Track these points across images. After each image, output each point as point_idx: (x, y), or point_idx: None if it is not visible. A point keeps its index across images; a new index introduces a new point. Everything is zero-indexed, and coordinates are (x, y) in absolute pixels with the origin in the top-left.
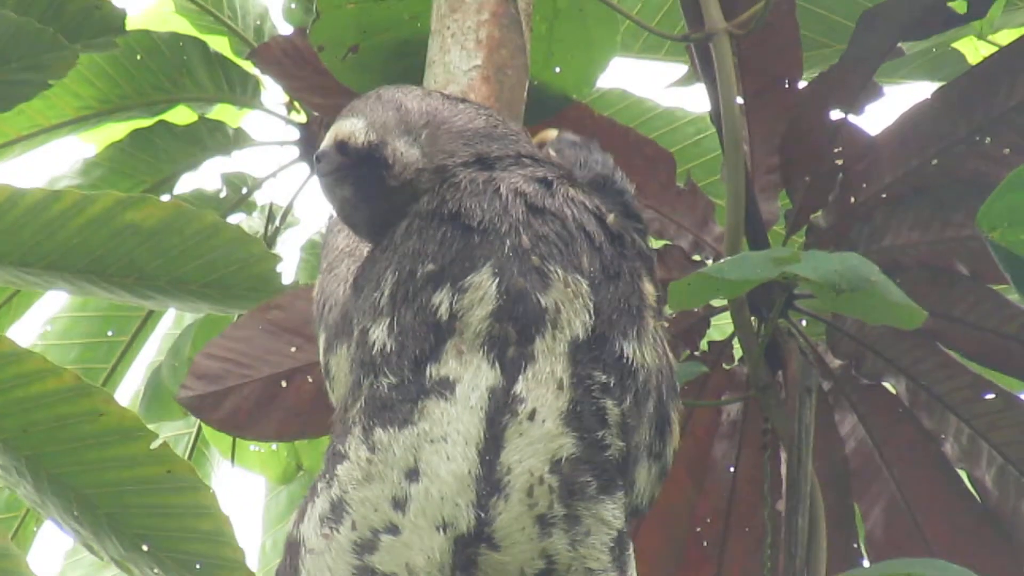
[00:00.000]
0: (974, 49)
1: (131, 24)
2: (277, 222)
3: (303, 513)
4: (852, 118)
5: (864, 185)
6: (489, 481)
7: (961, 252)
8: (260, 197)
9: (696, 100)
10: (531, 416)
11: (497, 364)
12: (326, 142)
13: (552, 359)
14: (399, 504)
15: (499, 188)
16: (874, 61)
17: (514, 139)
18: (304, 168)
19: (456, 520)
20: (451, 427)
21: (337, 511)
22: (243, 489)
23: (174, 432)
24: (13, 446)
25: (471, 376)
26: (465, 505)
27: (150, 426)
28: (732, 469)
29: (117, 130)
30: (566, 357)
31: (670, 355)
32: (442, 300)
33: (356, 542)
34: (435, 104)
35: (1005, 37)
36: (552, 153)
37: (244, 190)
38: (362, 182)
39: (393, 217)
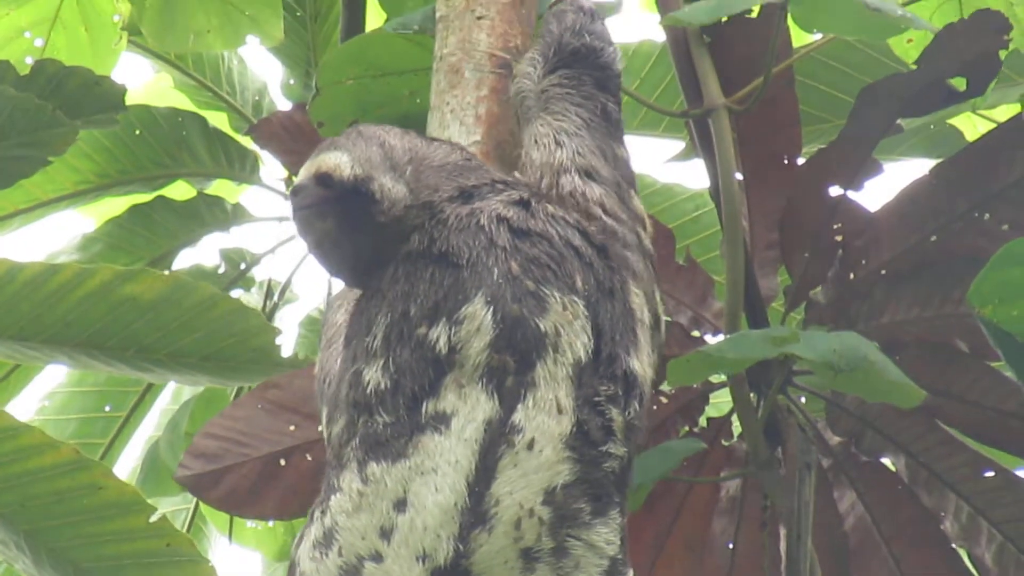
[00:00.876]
0: (971, 126)
1: (130, 99)
2: (276, 298)
3: (301, 537)
4: (851, 194)
5: (863, 261)
6: (475, 513)
7: (960, 329)
8: (259, 273)
9: (694, 175)
10: (529, 446)
11: (495, 395)
12: (304, 174)
13: (554, 384)
14: (385, 533)
15: (480, 219)
16: (874, 138)
17: (485, 170)
18: (302, 245)
19: (435, 552)
20: (442, 459)
21: (328, 537)
22: (241, 565)
23: (172, 507)
24: (12, 520)
25: (468, 409)
26: (446, 537)
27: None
28: (731, 545)
29: (116, 205)
30: (569, 380)
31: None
32: (439, 334)
33: (342, 567)
34: (414, 141)
35: (1002, 113)
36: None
37: (243, 266)
38: (347, 217)
39: (374, 254)
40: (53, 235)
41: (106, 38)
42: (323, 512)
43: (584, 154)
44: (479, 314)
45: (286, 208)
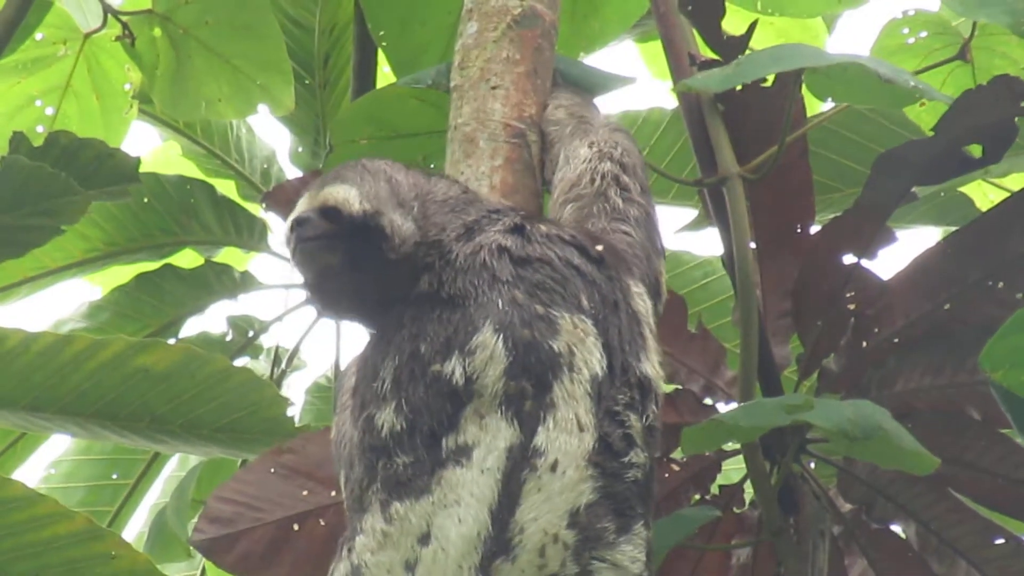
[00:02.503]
0: (982, 194)
1: (139, 167)
2: (283, 365)
3: (331, 573)
4: (865, 262)
5: (876, 330)
6: (499, 542)
7: (972, 397)
8: (266, 340)
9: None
10: (552, 468)
11: (515, 421)
12: (307, 205)
13: (573, 402)
14: (409, 567)
15: (482, 255)
16: (889, 206)
17: (480, 201)
18: (311, 311)
19: None
20: (464, 491)
21: (356, 573)
22: None
23: (178, 574)
24: None
25: (489, 438)
26: (467, 568)
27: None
28: None
29: (123, 273)
30: (587, 397)
31: (641, 229)
32: (454, 367)
33: None
34: (417, 177)
35: (1014, 182)
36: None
37: (250, 333)
38: (355, 252)
39: (378, 291)
40: (59, 303)
41: (117, 107)
42: (349, 551)
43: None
44: (489, 342)
45: (294, 275)
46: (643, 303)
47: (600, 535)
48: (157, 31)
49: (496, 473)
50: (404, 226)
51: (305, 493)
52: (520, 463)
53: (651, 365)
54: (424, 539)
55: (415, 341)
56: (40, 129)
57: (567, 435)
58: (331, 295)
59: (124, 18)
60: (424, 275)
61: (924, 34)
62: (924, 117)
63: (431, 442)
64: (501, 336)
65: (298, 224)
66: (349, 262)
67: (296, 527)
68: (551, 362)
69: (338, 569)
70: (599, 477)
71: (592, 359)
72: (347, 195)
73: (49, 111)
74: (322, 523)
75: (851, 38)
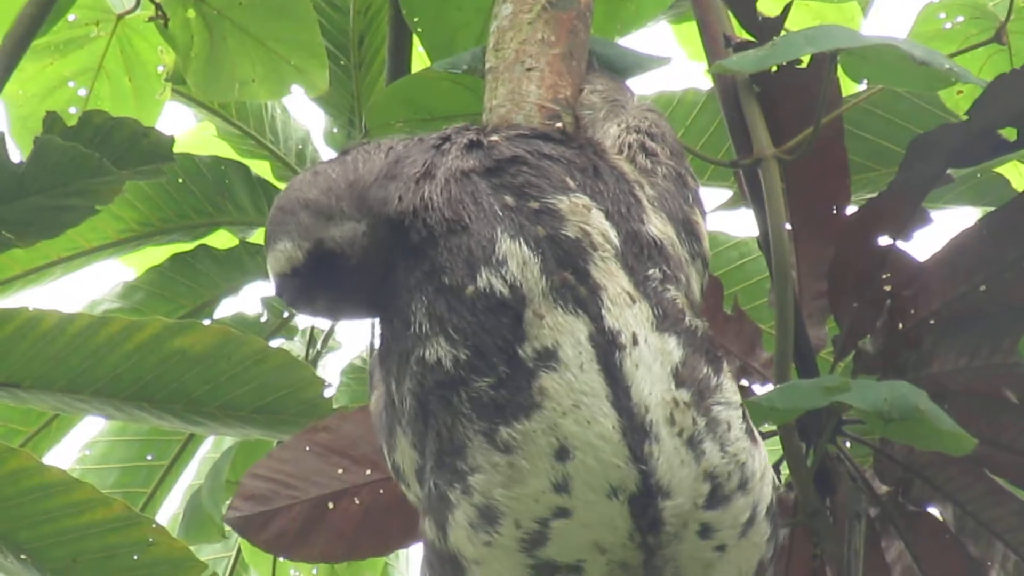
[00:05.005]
0: (1018, 174)
1: (174, 147)
2: (319, 346)
3: (442, 527)
4: (900, 243)
5: (912, 311)
6: (634, 429)
7: (1009, 378)
8: (301, 321)
9: (738, 223)
10: (634, 341)
11: (579, 311)
12: (272, 275)
13: (615, 279)
14: (561, 487)
15: (451, 186)
16: (924, 188)
17: (417, 140)
18: None
19: (624, 482)
20: (575, 393)
21: (490, 515)
22: None
23: (213, 555)
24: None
25: (567, 336)
26: (624, 463)
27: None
28: None
29: (158, 254)
30: (622, 271)
31: (670, 182)
32: (491, 281)
33: (523, 539)
34: (334, 174)
35: None
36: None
37: (285, 314)
38: (329, 282)
39: (375, 282)
40: (93, 284)
41: (150, 88)
42: (466, 493)
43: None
44: (514, 249)
45: None
46: (624, 164)
47: (706, 382)
48: (191, 12)
49: (594, 364)
50: (344, 230)
51: (340, 471)
52: (606, 348)
53: (655, 226)
54: (562, 454)
55: (434, 277)
56: (73, 110)
57: (627, 308)
58: (346, 315)
59: None
60: (409, 233)
61: (961, 19)
62: (962, 104)
63: (507, 357)
64: (520, 240)
65: (279, 293)
66: (334, 290)
67: (331, 505)
68: (575, 249)
69: (455, 517)
70: (675, 335)
71: (610, 233)
72: (285, 251)
73: (82, 92)
74: (357, 502)
75: (887, 23)
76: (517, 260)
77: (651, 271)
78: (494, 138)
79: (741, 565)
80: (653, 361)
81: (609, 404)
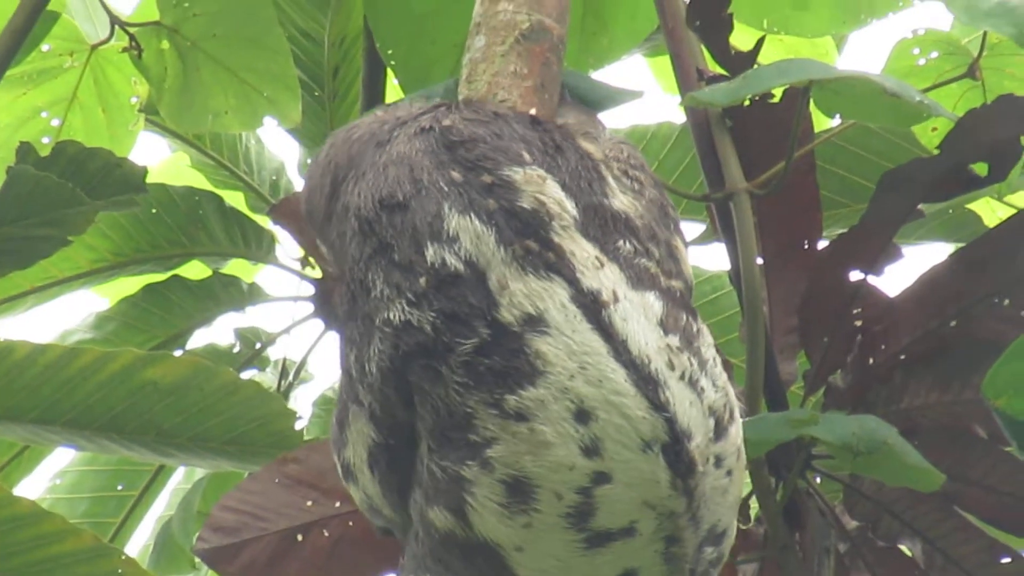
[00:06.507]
0: (990, 211)
1: (147, 178)
2: (291, 377)
3: (460, 512)
4: (871, 278)
5: (883, 346)
6: (644, 379)
7: (978, 414)
8: (273, 352)
9: (712, 258)
10: (616, 298)
11: (552, 274)
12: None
13: (579, 245)
14: (592, 450)
15: (387, 168)
16: (895, 223)
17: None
18: (318, 324)
19: (655, 433)
20: (577, 354)
21: (521, 491)
22: None
23: None
24: None
25: (548, 300)
26: (648, 413)
27: None
28: None
29: (130, 284)
30: (584, 239)
31: (654, 207)
32: (445, 256)
33: (569, 513)
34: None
35: (1022, 199)
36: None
37: (258, 345)
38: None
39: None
40: (66, 313)
41: (123, 119)
42: (487, 467)
43: None
44: (465, 224)
45: (301, 288)
46: (595, 149)
47: (689, 328)
48: (165, 43)
49: (585, 324)
50: (324, 247)
51: (309, 503)
52: (591, 307)
53: (619, 200)
54: (582, 416)
55: (385, 254)
56: (46, 140)
57: (598, 270)
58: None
59: (132, 30)
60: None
61: (935, 55)
62: (935, 141)
63: (486, 323)
64: (471, 215)
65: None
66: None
67: (300, 537)
68: (533, 220)
69: (478, 498)
70: (651, 291)
71: (566, 203)
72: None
73: (55, 122)
74: (326, 534)
75: (861, 60)
76: (470, 235)
77: (619, 242)
78: (447, 122)
79: (740, 485)
80: (641, 316)
81: (613, 360)
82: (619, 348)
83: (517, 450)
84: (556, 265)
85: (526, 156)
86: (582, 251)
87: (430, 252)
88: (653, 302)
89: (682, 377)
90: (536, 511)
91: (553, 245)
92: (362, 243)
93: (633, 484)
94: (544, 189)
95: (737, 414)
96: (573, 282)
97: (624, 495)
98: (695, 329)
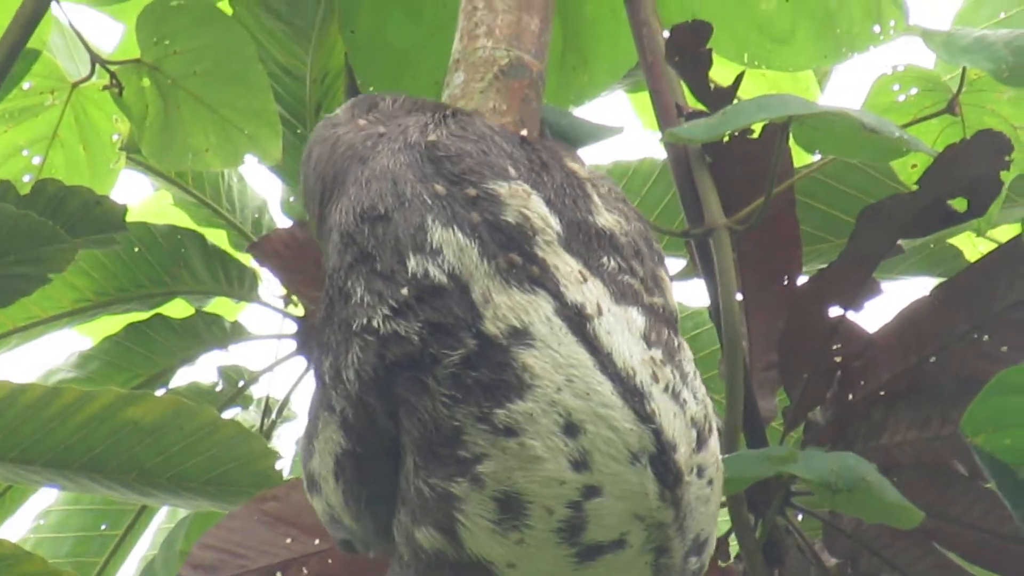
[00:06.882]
0: (971, 246)
1: (129, 216)
2: (274, 415)
3: (449, 531)
4: (851, 314)
5: (862, 382)
6: (630, 392)
7: (958, 451)
8: (256, 391)
9: (692, 294)
10: (599, 312)
11: (536, 288)
12: None
13: (563, 259)
14: (580, 464)
15: (370, 183)
16: (874, 258)
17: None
18: (301, 362)
19: (642, 445)
20: (563, 367)
21: (513, 507)
22: None
23: None
24: None
25: (532, 313)
26: (634, 425)
27: None
28: None
29: (113, 323)
30: (567, 253)
31: (634, 223)
32: (428, 268)
33: (560, 528)
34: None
35: (1003, 233)
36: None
37: (241, 383)
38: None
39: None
40: (50, 353)
41: (104, 157)
42: (478, 484)
43: None
44: (448, 237)
45: (285, 326)
46: (581, 169)
47: (671, 343)
48: (146, 81)
49: (571, 336)
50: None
51: (289, 541)
52: (575, 320)
53: (604, 218)
54: (571, 430)
55: (366, 262)
56: (27, 178)
57: (582, 284)
58: None
59: (113, 68)
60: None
61: (915, 91)
62: (915, 177)
63: (472, 334)
64: (454, 228)
65: None
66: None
67: (279, 575)
68: (517, 233)
69: (467, 515)
70: (634, 306)
71: (551, 219)
72: None
73: (36, 160)
74: (305, 571)
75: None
76: (453, 248)
77: (603, 259)
78: (432, 138)
79: (720, 494)
80: (624, 329)
81: (599, 372)
82: (604, 361)
83: (508, 465)
84: (540, 279)
85: (512, 171)
86: (565, 265)
87: (412, 263)
88: (636, 317)
89: (666, 389)
90: (528, 527)
91: (537, 259)
92: (343, 252)
93: (623, 496)
94: (529, 204)
95: (715, 426)
96: (557, 295)
97: (614, 508)
98: (676, 344)
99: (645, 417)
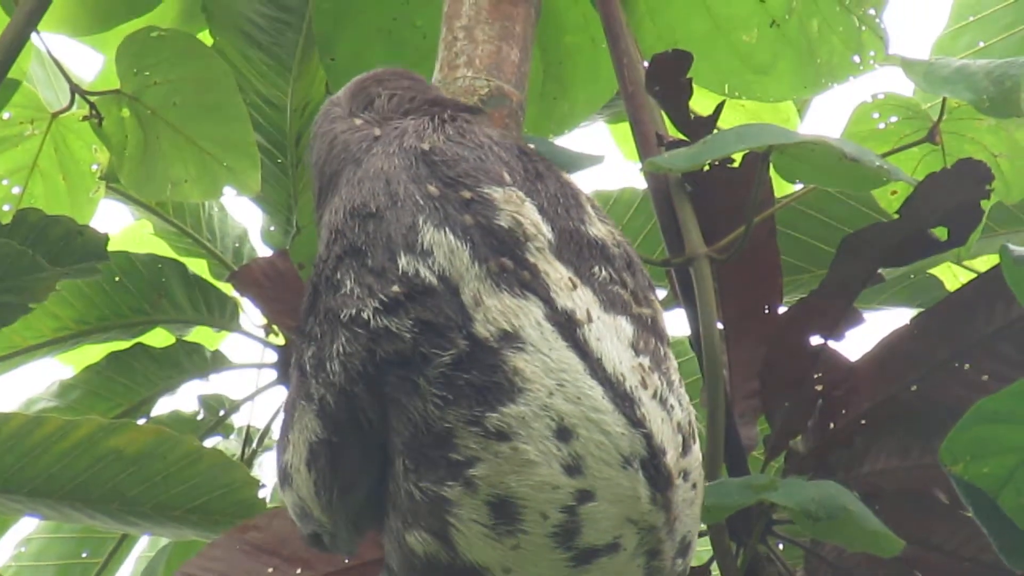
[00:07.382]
0: (952, 276)
1: (110, 245)
2: (255, 444)
3: (443, 536)
4: (832, 343)
5: (843, 411)
6: (621, 397)
7: (939, 479)
8: (237, 419)
9: (673, 323)
10: (589, 318)
11: (527, 292)
12: None
13: (553, 266)
14: (573, 468)
15: (363, 182)
16: (855, 287)
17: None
18: (282, 391)
19: (633, 449)
20: (554, 371)
21: (506, 511)
22: None
23: None
24: None
25: (523, 318)
26: (625, 429)
27: None
28: None
29: (94, 352)
30: (558, 261)
31: (622, 242)
32: (419, 268)
33: (555, 532)
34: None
35: (983, 263)
36: None
37: (222, 412)
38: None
39: None
40: (30, 382)
41: (84, 187)
42: (470, 488)
43: None
44: (440, 239)
45: (265, 355)
46: (571, 179)
47: (657, 352)
48: (125, 111)
49: (561, 342)
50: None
51: (270, 570)
52: (566, 325)
53: (597, 228)
54: (563, 434)
55: (357, 257)
56: (7, 208)
57: (572, 291)
58: None
59: (92, 98)
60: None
61: (894, 119)
62: (895, 205)
63: (463, 335)
64: (446, 230)
65: None
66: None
67: None
68: (509, 238)
69: (461, 519)
70: (623, 316)
71: (543, 226)
72: None
73: (16, 190)
74: None
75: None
76: (444, 249)
77: (594, 268)
78: (426, 145)
79: (702, 496)
80: (613, 336)
81: (590, 377)
82: (595, 366)
83: (501, 470)
84: (531, 284)
85: (507, 177)
86: (556, 272)
87: (403, 262)
88: (625, 325)
89: (654, 395)
90: (523, 532)
91: (528, 264)
92: (331, 244)
93: (616, 500)
94: (522, 210)
95: (696, 431)
96: (548, 301)
97: (608, 511)
98: (663, 353)
99: (636, 422)
